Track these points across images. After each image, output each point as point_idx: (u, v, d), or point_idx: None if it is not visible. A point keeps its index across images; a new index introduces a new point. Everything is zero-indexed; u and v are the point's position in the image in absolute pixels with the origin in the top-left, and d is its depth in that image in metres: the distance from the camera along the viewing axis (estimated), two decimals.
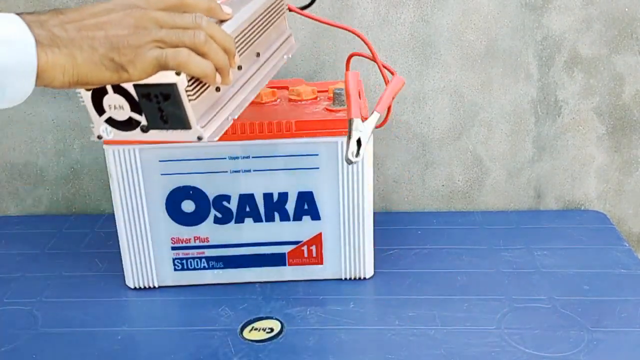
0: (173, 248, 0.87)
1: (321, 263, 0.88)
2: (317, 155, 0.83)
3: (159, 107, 0.59)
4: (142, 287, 0.88)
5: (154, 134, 0.61)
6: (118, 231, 0.86)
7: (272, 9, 0.74)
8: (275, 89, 0.89)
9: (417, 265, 0.93)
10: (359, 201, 0.85)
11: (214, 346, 0.77)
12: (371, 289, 0.88)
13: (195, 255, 0.87)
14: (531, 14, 1.00)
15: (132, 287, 0.88)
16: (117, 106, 0.61)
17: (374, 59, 0.79)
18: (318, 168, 0.84)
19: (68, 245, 1.01)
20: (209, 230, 0.86)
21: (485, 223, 1.05)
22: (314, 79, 1.03)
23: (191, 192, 0.84)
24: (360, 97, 0.90)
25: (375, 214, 0.88)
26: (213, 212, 0.85)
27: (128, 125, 0.62)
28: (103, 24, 0.54)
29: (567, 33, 1.01)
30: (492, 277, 0.89)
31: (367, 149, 0.83)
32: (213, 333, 0.79)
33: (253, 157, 0.83)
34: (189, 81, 0.58)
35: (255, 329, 0.79)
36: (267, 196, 0.85)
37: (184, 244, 0.86)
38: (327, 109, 0.85)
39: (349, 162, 0.69)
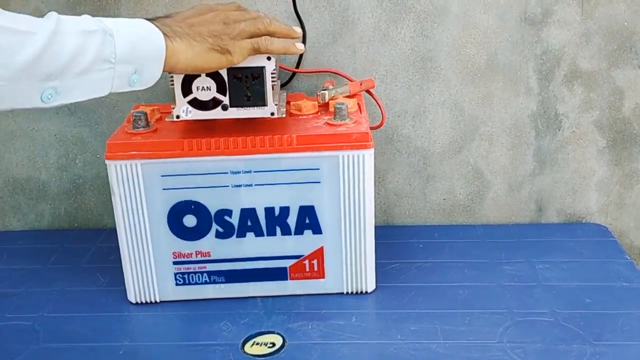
0: (175, 263, 0.87)
1: (323, 277, 0.88)
2: (318, 169, 0.83)
3: (246, 86, 0.77)
4: (144, 302, 0.88)
5: (232, 112, 0.79)
6: (120, 246, 0.86)
7: None
8: None
9: (418, 279, 0.93)
10: (360, 215, 0.85)
11: None
12: (373, 303, 0.88)
13: (197, 270, 0.87)
14: (531, 28, 1.01)
15: (134, 302, 0.88)
16: (204, 87, 0.77)
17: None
18: (319, 182, 0.84)
19: (70, 260, 1.01)
20: (210, 244, 0.86)
21: (487, 236, 1.05)
22: (315, 93, 1.03)
23: (193, 206, 0.84)
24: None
25: (377, 228, 0.88)
26: (215, 226, 0.85)
27: (209, 105, 0.79)
28: (202, 22, 0.70)
29: (566, 47, 1.01)
30: (494, 291, 0.89)
31: (368, 162, 0.83)
32: (215, 348, 0.79)
33: (254, 172, 0.83)
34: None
35: (257, 344, 0.79)
36: (269, 210, 0.85)
37: (186, 259, 0.86)
38: (328, 124, 0.86)
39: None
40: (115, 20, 0.63)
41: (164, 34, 0.65)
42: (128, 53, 0.62)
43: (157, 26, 0.65)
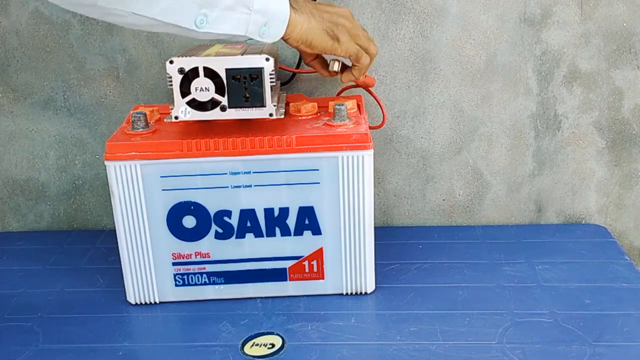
0: (174, 264, 0.87)
1: (322, 278, 0.88)
2: (317, 170, 0.83)
3: (245, 87, 0.78)
4: (143, 302, 0.88)
5: (231, 113, 0.79)
6: (119, 247, 0.86)
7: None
8: None
9: (418, 280, 0.93)
10: (359, 216, 0.85)
11: None
12: (372, 304, 0.88)
13: (196, 271, 0.87)
14: (530, 29, 1.01)
15: (133, 302, 0.88)
16: (203, 88, 0.78)
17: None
18: (319, 183, 0.84)
19: (69, 261, 1.01)
20: (210, 245, 0.86)
21: (486, 237, 1.05)
22: (314, 94, 1.04)
23: (192, 207, 0.84)
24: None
25: (376, 229, 0.88)
26: (214, 227, 0.85)
27: (208, 106, 0.79)
28: (334, 12, 0.81)
29: (565, 48, 1.01)
30: (493, 292, 0.89)
31: (368, 163, 0.83)
32: (214, 349, 0.79)
33: (254, 173, 0.83)
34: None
35: (257, 345, 0.79)
36: (268, 211, 0.85)
37: (185, 260, 0.86)
38: (327, 125, 0.86)
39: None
40: None
41: (290, 4, 0.76)
42: (262, 7, 0.73)
43: None
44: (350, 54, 0.82)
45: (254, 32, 0.74)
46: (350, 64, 0.87)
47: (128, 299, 0.89)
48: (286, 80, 1.02)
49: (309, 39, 0.78)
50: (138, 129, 0.85)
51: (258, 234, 0.86)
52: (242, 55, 0.80)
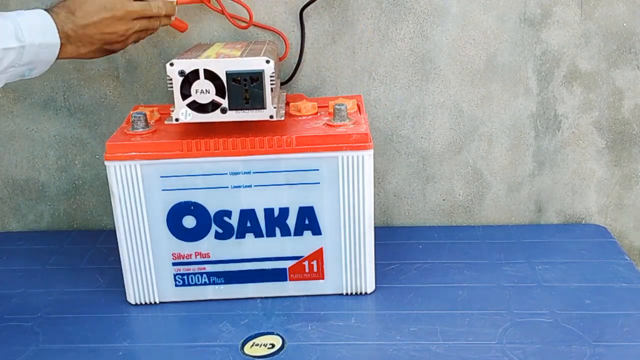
0: (174, 264, 0.87)
1: (322, 278, 0.88)
2: (317, 170, 0.83)
3: (245, 89, 0.78)
4: (143, 302, 0.88)
5: (231, 115, 0.79)
6: (119, 247, 0.86)
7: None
8: None
9: (418, 280, 0.93)
10: (359, 216, 0.85)
11: None
12: (372, 304, 0.88)
13: (197, 271, 0.87)
14: (530, 29, 1.01)
15: (133, 302, 0.88)
16: (203, 90, 0.78)
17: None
18: (319, 183, 0.84)
19: (69, 261, 1.01)
20: (210, 245, 0.86)
21: (486, 237, 1.05)
22: (314, 94, 1.04)
23: (192, 207, 0.84)
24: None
25: (376, 229, 0.88)
26: (214, 227, 0.85)
27: (208, 108, 0.79)
28: (100, 28, 0.79)
29: (565, 48, 1.01)
30: (493, 292, 0.89)
31: (368, 163, 0.83)
32: (214, 349, 0.79)
33: (254, 173, 0.83)
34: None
35: (257, 345, 0.79)
36: (268, 211, 0.85)
37: (185, 260, 0.86)
38: (327, 124, 0.86)
39: None
40: (30, 24, 0.73)
41: (61, 39, 0.76)
42: (30, 60, 0.74)
43: (59, 30, 0.75)
44: (139, 38, 0.85)
45: (15, 78, 0.75)
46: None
47: (128, 299, 0.89)
48: (286, 79, 1.02)
49: (82, 59, 0.84)
50: (138, 129, 0.85)
51: (258, 234, 0.85)
52: (243, 56, 0.80)
